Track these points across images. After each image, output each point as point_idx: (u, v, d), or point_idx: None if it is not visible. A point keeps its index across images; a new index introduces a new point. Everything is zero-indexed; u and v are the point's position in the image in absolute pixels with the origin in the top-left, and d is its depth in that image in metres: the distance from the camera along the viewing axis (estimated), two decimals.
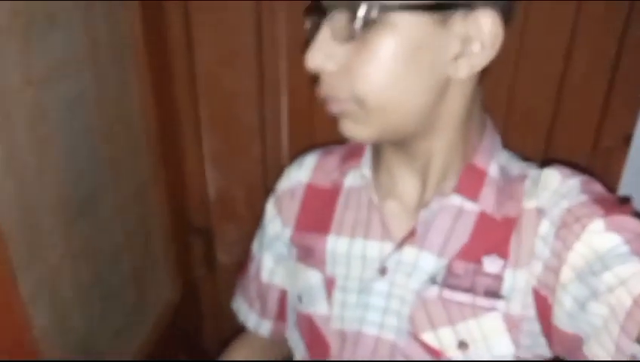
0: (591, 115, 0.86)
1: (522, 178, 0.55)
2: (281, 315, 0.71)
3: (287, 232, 0.66)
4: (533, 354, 0.54)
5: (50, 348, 0.66)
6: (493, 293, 0.52)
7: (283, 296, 0.70)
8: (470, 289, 0.53)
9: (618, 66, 0.82)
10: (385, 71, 0.46)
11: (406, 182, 0.58)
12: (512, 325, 0.52)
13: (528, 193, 0.54)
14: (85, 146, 0.74)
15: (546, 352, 0.53)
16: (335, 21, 0.46)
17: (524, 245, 0.52)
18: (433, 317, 0.54)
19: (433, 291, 0.54)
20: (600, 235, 0.46)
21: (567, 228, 0.48)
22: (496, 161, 0.55)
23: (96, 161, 0.77)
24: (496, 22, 0.45)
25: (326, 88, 0.49)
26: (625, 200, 0.50)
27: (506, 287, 0.52)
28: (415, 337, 0.55)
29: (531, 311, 0.52)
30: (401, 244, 0.56)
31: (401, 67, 0.45)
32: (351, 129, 0.51)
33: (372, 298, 0.57)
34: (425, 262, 0.55)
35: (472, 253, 0.53)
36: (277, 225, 0.68)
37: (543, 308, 0.50)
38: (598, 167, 0.86)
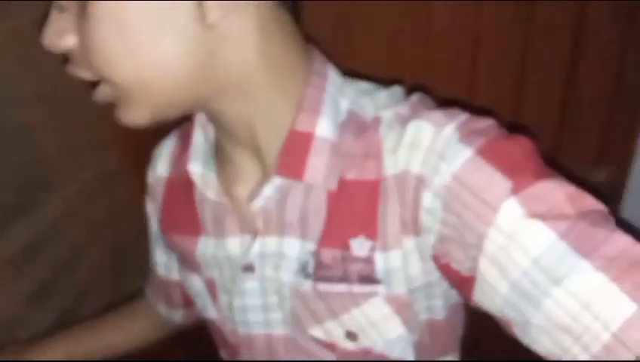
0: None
1: (376, 122, 0.46)
2: (188, 305, 0.67)
3: (159, 229, 0.61)
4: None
5: None
6: (369, 278, 0.47)
7: (184, 289, 0.64)
8: (344, 279, 0.47)
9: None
10: (111, 36, 0.38)
11: (246, 162, 0.50)
12: (400, 306, 0.48)
13: (388, 147, 0.44)
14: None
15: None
16: None
17: (396, 220, 0.44)
18: (316, 312, 0.50)
19: (307, 285, 0.48)
20: (519, 224, 0.36)
21: (461, 201, 0.39)
22: (328, 111, 0.45)
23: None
24: None
25: (72, 68, 0.42)
26: (519, 130, 0.41)
27: (379, 270, 0.46)
28: (303, 332, 0.51)
29: (436, 274, 0.46)
30: (254, 236, 0.50)
31: (129, 27, 0.38)
32: (121, 115, 0.44)
33: (248, 299, 0.53)
34: (289, 248, 0.48)
35: (337, 236, 0.46)
36: (155, 220, 0.63)
37: (450, 273, 0.43)
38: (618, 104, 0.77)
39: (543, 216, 0.36)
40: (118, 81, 0.40)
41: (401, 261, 0.46)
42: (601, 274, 0.33)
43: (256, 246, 0.50)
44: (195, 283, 0.57)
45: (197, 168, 0.51)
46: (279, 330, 0.53)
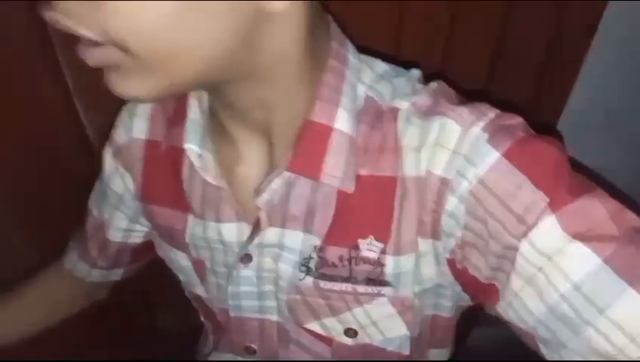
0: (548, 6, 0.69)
1: (393, 113, 0.42)
2: (134, 262, 0.64)
3: (133, 195, 0.54)
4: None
5: None
6: (377, 280, 0.45)
7: (139, 248, 0.61)
8: (349, 279, 0.45)
9: None
10: (149, 7, 0.30)
11: (249, 145, 0.46)
12: (405, 307, 0.46)
13: (409, 145, 0.41)
14: None
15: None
16: None
17: (413, 223, 0.42)
18: (314, 308, 0.48)
19: (308, 281, 0.46)
20: (559, 245, 0.34)
21: (486, 208, 0.37)
22: (347, 101, 0.41)
23: None
24: None
25: (65, 21, 0.31)
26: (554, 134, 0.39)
27: (389, 273, 0.44)
28: (298, 324, 0.50)
29: (449, 278, 0.44)
30: (254, 228, 0.47)
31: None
32: (122, 86, 0.35)
33: (242, 286, 0.50)
34: (291, 240, 0.45)
35: (345, 234, 0.44)
36: (122, 183, 0.54)
37: (466, 279, 0.41)
38: (556, 65, 0.73)
39: (584, 237, 0.33)
40: (142, 53, 0.32)
41: (414, 264, 0.43)
42: None
43: (257, 238, 0.46)
44: (180, 260, 0.54)
45: (194, 147, 0.45)
46: (273, 317, 0.52)
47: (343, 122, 0.41)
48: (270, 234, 0.46)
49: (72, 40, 0.33)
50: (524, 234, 0.35)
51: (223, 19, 0.32)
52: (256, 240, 0.46)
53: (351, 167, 0.42)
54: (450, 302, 0.48)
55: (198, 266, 0.53)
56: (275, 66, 0.38)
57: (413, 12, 0.65)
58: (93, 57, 0.33)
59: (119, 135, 0.53)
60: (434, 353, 0.55)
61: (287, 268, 0.47)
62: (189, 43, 0.32)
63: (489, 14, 0.68)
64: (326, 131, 0.41)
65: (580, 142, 0.68)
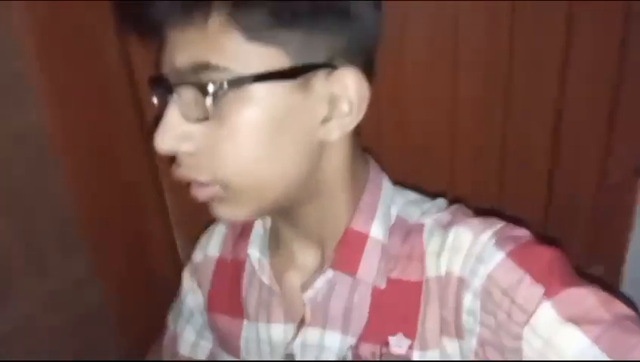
0: (594, 149, 0.79)
1: (420, 228, 0.50)
2: None
3: (202, 308, 0.63)
4: None
5: None
6: None
7: None
8: None
9: (619, 98, 0.76)
10: (247, 148, 0.41)
11: (305, 253, 0.54)
12: None
13: (431, 251, 0.48)
14: None
15: None
16: (184, 98, 0.41)
17: (436, 320, 0.47)
18: None
19: None
20: (554, 328, 0.38)
21: (494, 301, 0.42)
22: (381, 216, 0.50)
23: None
24: (360, 78, 0.43)
25: (185, 171, 0.44)
26: (551, 242, 0.44)
27: None
28: None
29: None
30: (299, 327, 0.53)
31: (265, 141, 0.41)
32: (225, 212, 0.46)
33: None
34: (330, 341, 0.51)
35: (377, 332, 0.49)
36: (194, 298, 0.63)
37: None
38: (607, 205, 0.79)
39: (577, 321, 0.37)
40: (238, 186, 0.43)
41: (439, 359, 0.47)
42: None
43: (300, 336, 0.52)
44: None
45: (256, 253, 0.55)
46: None
47: (376, 230, 0.49)
48: (312, 334, 0.51)
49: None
50: (526, 322, 0.39)
51: (297, 152, 0.43)
52: (299, 340, 0.52)
53: (382, 268, 0.49)
54: None
55: None
56: (330, 186, 0.47)
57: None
58: (203, 195, 0.44)
59: (197, 256, 0.63)
60: None
61: None
62: (273, 173, 0.43)
63: None
64: (363, 236, 0.49)
65: None
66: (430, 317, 0.47)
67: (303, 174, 0.44)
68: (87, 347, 0.77)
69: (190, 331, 0.64)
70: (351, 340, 0.50)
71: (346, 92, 0.42)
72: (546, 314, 0.38)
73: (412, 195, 0.54)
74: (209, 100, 0.39)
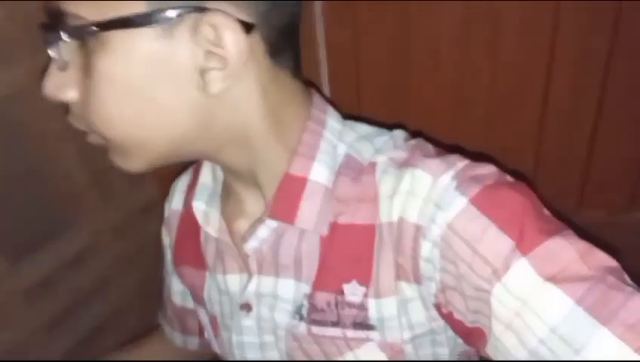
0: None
1: (372, 167, 0.46)
2: (203, 332, 0.66)
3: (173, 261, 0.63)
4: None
5: None
6: (362, 324, 0.46)
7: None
8: (338, 323, 0.47)
9: None
10: (110, 102, 0.39)
11: (250, 199, 0.51)
12: (395, 353, 0.47)
13: (384, 193, 0.44)
14: None
15: None
16: (60, 48, 0.40)
17: (390, 267, 0.44)
18: (310, 353, 0.50)
19: (302, 328, 0.49)
20: (532, 288, 0.35)
21: (455, 252, 0.39)
22: (324, 157, 0.46)
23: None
24: (234, 29, 0.37)
25: (71, 119, 0.43)
26: (518, 177, 0.40)
27: (373, 317, 0.46)
28: None
29: (440, 322, 0.45)
30: (250, 276, 0.50)
31: (129, 94, 0.39)
32: (118, 161, 0.45)
33: (245, 336, 0.53)
34: (284, 290, 0.49)
35: (330, 280, 0.46)
36: (169, 251, 0.64)
37: (454, 322, 0.42)
38: None
39: (556, 279, 0.35)
40: (114, 140, 0.42)
41: (397, 308, 0.45)
42: (622, 344, 0.32)
43: (252, 285, 0.50)
44: (203, 317, 0.59)
45: (200, 205, 0.53)
46: None
47: (317, 173, 0.45)
48: (265, 283, 0.49)
49: None
50: (497, 278, 0.36)
51: (174, 105, 0.40)
52: (253, 288, 0.50)
53: (325, 214, 0.45)
54: (447, 348, 0.48)
55: (213, 322, 0.57)
56: (242, 136, 0.44)
57: None
58: (93, 140, 0.44)
59: (165, 210, 0.63)
60: None
61: (282, 317, 0.49)
62: (150, 130, 0.41)
63: None
64: (302, 181, 0.45)
65: None
66: (384, 264, 0.44)
67: (192, 125, 0.41)
68: (149, 276, 0.81)
69: (177, 282, 0.65)
70: (305, 288, 0.48)
71: (220, 42, 0.38)
72: (522, 274, 0.35)
73: (365, 129, 0.50)
74: (64, 49, 0.39)
